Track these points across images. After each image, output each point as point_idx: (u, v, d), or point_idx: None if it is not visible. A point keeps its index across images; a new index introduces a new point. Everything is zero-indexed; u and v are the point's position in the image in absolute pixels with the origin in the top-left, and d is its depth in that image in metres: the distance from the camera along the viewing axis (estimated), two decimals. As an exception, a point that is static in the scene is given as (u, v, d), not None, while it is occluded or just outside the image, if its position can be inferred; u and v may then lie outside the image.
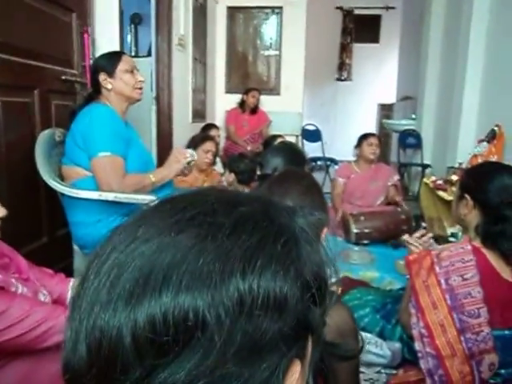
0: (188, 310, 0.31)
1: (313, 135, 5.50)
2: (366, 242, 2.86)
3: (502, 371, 1.29)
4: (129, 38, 5.00)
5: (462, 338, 1.21)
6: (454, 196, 1.55)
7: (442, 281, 1.27)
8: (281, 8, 4.96)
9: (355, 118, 7.78)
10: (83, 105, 1.82)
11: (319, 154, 5.46)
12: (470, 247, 1.30)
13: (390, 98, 7.09)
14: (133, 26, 5.05)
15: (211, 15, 4.67)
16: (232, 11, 5.04)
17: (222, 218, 0.36)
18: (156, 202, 0.40)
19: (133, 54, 4.74)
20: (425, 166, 4.54)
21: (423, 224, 3.19)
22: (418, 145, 4.80)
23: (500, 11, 3.30)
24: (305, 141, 5.32)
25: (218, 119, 4.88)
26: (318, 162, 5.50)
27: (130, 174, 1.69)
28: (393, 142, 5.75)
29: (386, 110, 7.12)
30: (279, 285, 0.33)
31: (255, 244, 0.34)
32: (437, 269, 1.28)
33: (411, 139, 4.87)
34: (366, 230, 2.86)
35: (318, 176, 5.46)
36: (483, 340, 1.22)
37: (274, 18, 5.04)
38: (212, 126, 3.86)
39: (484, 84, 3.51)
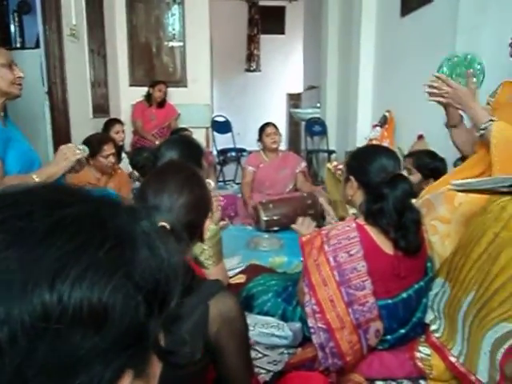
0: None
1: (223, 126, 5.51)
2: (275, 228, 2.94)
3: (388, 337, 1.41)
4: (12, 27, 4.58)
5: (350, 310, 1.29)
6: (342, 178, 1.65)
7: (331, 258, 1.34)
8: (182, -2, 4.86)
9: (266, 108, 7.94)
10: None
11: (231, 146, 5.48)
12: (354, 225, 1.39)
13: (298, 87, 7.33)
14: (16, 14, 4.63)
15: (108, 4, 4.43)
16: (131, 0, 4.84)
17: (38, 221, 0.33)
18: None
19: (18, 45, 4.35)
20: (330, 152, 4.78)
21: (329, 207, 3.36)
22: (323, 132, 5.02)
23: (386, 4, 3.55)
24: (215, 132, 5.31)
25: (124, 113, 4.67)
26: (230, 154, 5.53)
27: (9, 176, 1.56)
28: (302, 130, 5.96)
29: (294, 100, 7.35)
30: (97, 295, 0.31)
31: (73, 250, 0.32)
32: (326, 247, 1.36)
33: (317, 127, 5.09)
34: (275, 217, 2.94)
35: (230, 167, 5.51)
36: (369, 310, 1.32)
37: (175, 8, 4.93)
38: (115, 121, 3.68)
39: (376, 73, 3.77)
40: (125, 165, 3.55)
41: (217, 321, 0.87)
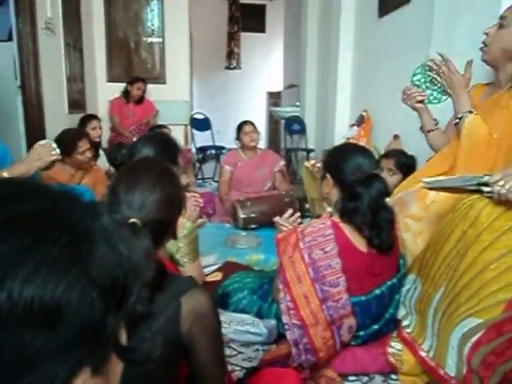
0: None
1: (202, 124, 5.48)
2: (253, 226, 2.95)
3: (361, 333, 1.43)
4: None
5: (324, 307, 1.31)
6: (318, 176, 1.66)
7: (306, 255, 1.35)
8: (162, -6, 4.81)
9: (246, 106, 7.94)
10: None
11: (210, 143, 5.46)
12: (329, 222, 1.41)
13: (278, 86, 7.35)
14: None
15: (85, -2, 4.36)
16: (109, -6, 4.76)
17: None
18: None
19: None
20: (309, 151, 4.81)
21: (306, 205, 3.39)
22: (302, 130, 5.06)
23: (364, 5, 3.59)
24: (194, 130, 5.28)
25: (101, 109, 4.60)
26: (209, 151, 5.50)
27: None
28: (281, 128, 5.99)
29: (274, 98, 7.37)
30: (50, 292, 0.31)
31: (25, 246, 0.31)
32: (301, 244, 1.37)
33: (296, 125, 5.12)
34: (253, 215, 2.95)
35: (210, 165, 5.49)
36: (342, 306, 1.34)
37: (155, 4, 4.87)
38: (92, 117, 3.62)
39: (354, 73, 3.81)
40: (102, 161, 3.49)
41: (189, 317, 0.87)
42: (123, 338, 0.40)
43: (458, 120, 1.55)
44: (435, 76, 1.66)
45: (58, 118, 3.37)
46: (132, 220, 0.79)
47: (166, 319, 0.84)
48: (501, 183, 1.11)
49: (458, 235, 1.23)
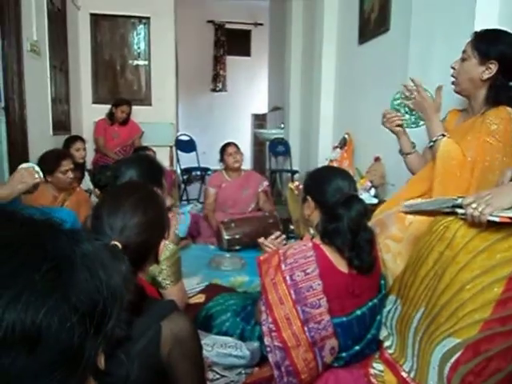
0: None
1: (188, 145, 5.51)
2: (237, 247, 2.95)
3: (344, 354, 1.43)
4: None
5: (306, 328, 1.31)
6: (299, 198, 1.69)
7: (288, 277, 1.36)
8: (148, 18, 4.90)
9: (232, 128, 8.02)
10: None
11: (195, 165, 5.48)
12: (310, 244, 1.42)
13: (263, 108, 7.47)
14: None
15: (72, 21, 4.41)
16: (96, 18, 4.83)
17: None
18: None
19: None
20: (293, 172, 4.87)
21: (291, 226, 3.41)
22: (286, 152, 5.12)
23: (345, 32, 3.71)
24: (180, 151, 5.30)
25: (86, 131, 4.61)
26: (194, 173, 5.52)
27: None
28: (266, 149, 6.05)
29: (259, 120, 7.48)
30: (31, 317, 0.31)
31: (8, 273, 0.32)
32: (283, 266, 1.38)
33: (281, 147, 5.19)
34: (237, 236, 2.96)
35: (195, 186, 5.50)
36: (324, 327, 1.34)
37: (141, 28, 4.96)
38: (76, 138, 3.63)
39: (336, 97, 3.91)
40: (86, 183, 3.48)
41: (168, 342, 0.87)
42: (101, 362, 0.41)
43: (432, 143, 1.61)
44: (408, 102, 1.73)
45: (42, 139, 3.36)
46: (113, 242, 0.79)
47: (145, 343, 0.84)
48: (474, 205, 1.15)
49: (435, 256, 1.26)
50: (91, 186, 3.24)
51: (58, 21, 3.94)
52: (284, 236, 1.74)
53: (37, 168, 1.78)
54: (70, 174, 2.57)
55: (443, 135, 1.60)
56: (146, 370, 0.82)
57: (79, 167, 3.32)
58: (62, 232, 0.39)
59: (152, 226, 0.93)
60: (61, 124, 3.97)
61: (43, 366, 0.32)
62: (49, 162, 2.49)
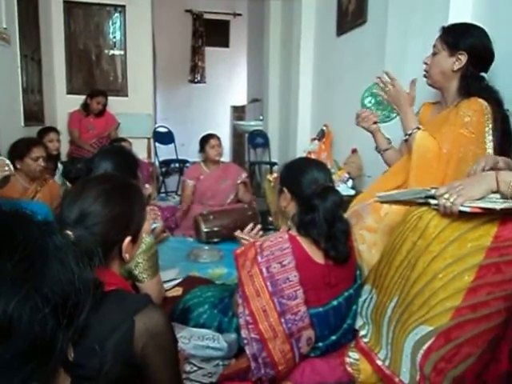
0: None
1: (166, 137, 5.44)
2: (216, 240, 2.94)
3: (320, 344, 1.45)
4: None
5: (283, 320, 1.32)
6: (276, 190, 1.69)
7: (264, 269, 1.37)
8: (123, 7, 4.79)
9: (210, 120, 7.95)
10: None
11: (173, 157, 5.43)
12: (287, 236, 1.43)
13: (242, 100, 7.43)
14: None
15: (44, 9, 4.27)
16: (69, 6, 4.69)
17: None
18: None
19: None
20: (272, 164, 4.87)
21: (270, 218, 3.42)
22: (265, 144, 5.12)
23: (323, 24, 3.71)
24: (158, 143, 5.23)
25: (60, 122, 4.49)
26: (173, 165, 5.46)
27: None
28: (245, 141, 6.04)
29: (238, 112, 7.44)
30: (2, 307, 0.31)
31: None
32: (259, 259, 1.38)
33: (259, 139, 5.18)
34: (216, 228, 2.94)
35: (173, 178, 5.45)
36: (301, 319, 1.35)
37: (117, 17, 4.84)
38: (50, 129, 3.54)
39: (314, 89, 3.92)
40: (60, 175, 3.40)
41: (142, 336, 0.86)
42: (71, 354, 0.41)
43: (407, 136, 1.63)
44: (382, 94, 1.75)
45: (12, 130, 3.26)
46: (66, 232, 0.77)
47: (118, 338, 0.83)
48: (446, 196, 1.17)
49: (408, 246, 1.28)
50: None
51: (29, 8, 3.81)
52: (259, 226, 1.74)
53: (7, 161, 1.73)
54: (41, 162, 2.48)
55: (418, 128, 1.62)
56: (120, 364, 0.81)
57: (52, 158, 3.24)
58: (34, 223, 0.39)
59: (114, 220, 0.90)
60: (33, 115, 3.86)
61: (15, 357, 0.32)
62: (19, 148, 2.42)
